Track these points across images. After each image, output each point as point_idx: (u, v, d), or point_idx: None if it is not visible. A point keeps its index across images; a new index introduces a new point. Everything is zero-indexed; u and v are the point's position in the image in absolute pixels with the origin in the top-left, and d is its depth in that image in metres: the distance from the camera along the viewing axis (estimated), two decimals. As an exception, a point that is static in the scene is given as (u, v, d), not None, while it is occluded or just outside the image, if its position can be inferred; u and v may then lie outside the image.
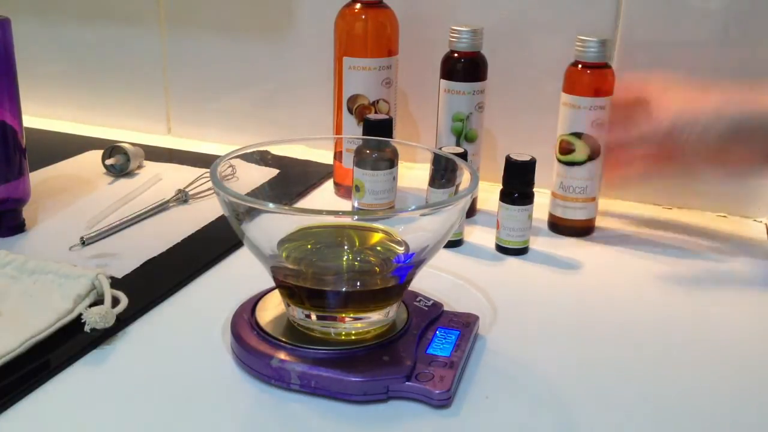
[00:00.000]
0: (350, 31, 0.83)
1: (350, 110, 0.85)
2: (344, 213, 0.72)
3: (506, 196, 0.73)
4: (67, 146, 1.01)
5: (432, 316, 0.58)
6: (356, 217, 0.68)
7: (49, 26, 1.12)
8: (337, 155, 0.87)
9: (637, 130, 0.73)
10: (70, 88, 1.14)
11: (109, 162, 0.91)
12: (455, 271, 0.70)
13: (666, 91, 0.76)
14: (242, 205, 0.50)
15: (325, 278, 0.56)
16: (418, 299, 0.59)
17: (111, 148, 0.92)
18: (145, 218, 0.79)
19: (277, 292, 0.58)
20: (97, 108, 1.13)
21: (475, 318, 0.59)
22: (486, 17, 0.89)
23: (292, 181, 0.86)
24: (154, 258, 0.69)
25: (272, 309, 0.57)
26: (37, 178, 0.88)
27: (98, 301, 0.58)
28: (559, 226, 0.79)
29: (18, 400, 0.49)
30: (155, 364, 0.54)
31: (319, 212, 0.49)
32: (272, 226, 0.53)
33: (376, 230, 0.58)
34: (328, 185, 0.91)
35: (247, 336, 0.54)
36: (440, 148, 0.75)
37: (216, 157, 0.56)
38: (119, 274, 0.66)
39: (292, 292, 0.54)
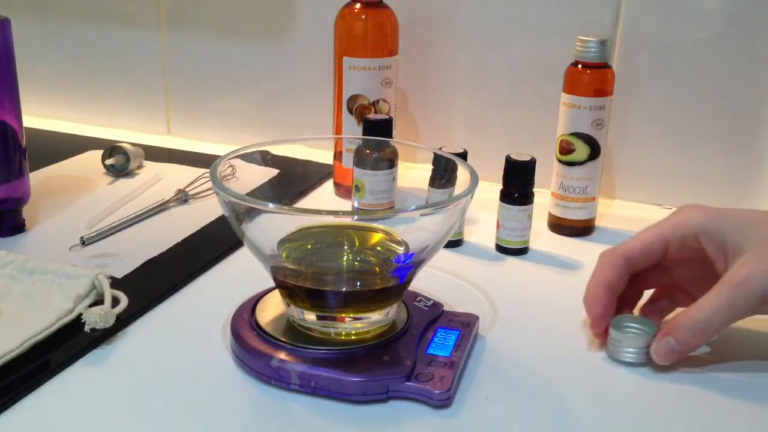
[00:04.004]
0: (350, 31, 0.83)
1: (350, 110, 0.85)
2: (344, 213, 0.72)
3: (506, 196, 0.73)
4: (67, 146, 1.01)
5: (432, 316, 0.58)
6: (356, 217, 0.68)
7: (49, 26, 1.12)
8: (337, 155, 0.87)
9: None
10: (70, 88, 1.14)
11: (109, 162, 0.91)
12: (455, 271, 0.70)
13: None
14: (242, 205, 0.50)
15: (325, 278, 0.56)
16: (418, 299, 0.59)
17: (111, 148, 0.92)
18: (145, 218, 0.79)
19: (277, 292, 0.58)
20: (97, 108, 1.13)
21: (475, 318, 0.59)
22: (486, 17, 0.89)
23: (292, 181, 0.86)
24: (154, 258, 0.69)
25: (272, 309, 0.57)
26: (37, 178, 0.88)
27: (98, 301, 0.58)
28: (559, 226, 0.79)
29: (18, 400, 0.49)
30: (155, 364, 0.54)
31: (319, 212, 0.49)
32: (272, 226, 0.53)
33: (376, 230, 0.58)
34: (328, 185, 0.91)
35: (247, 336, 0.54)
36: (440, 148, 0.75)
37: (216, 157, 0.56)
38: (119, 274, 0.66)
39: (292, 292, 0.54)
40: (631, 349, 0.55)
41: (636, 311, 0.61)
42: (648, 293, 0.62)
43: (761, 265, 0.51)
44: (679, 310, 0.60)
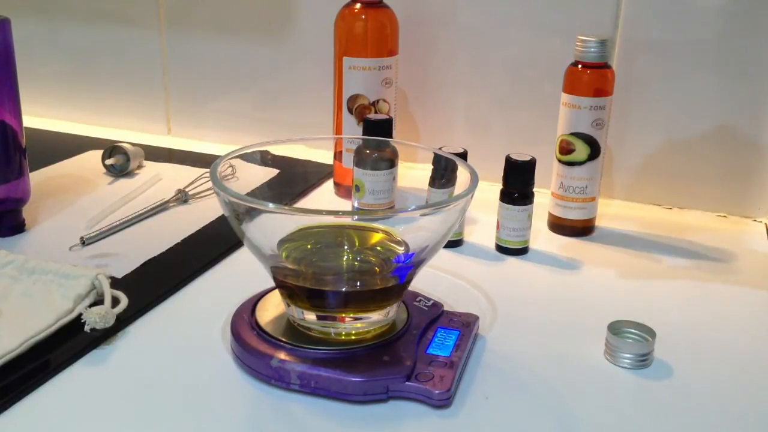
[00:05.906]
0: (350, 31, 0.83)
1: (350, 110, 0.85)
2: (344, 213, 0.72)
3: (506, 196, 0.73)
4: (67, 146, 1.01)
5: (432, 316, 0.58)
6: (356, 217, 0.68)
7: (49, 26, 1.12)
8: (337, 155, 0.87)
9: None
10: (70, 88, 1.14)
11: (109, 162, 0.91)
12: (455, 271, 0.70)
13: None
14: (242, 205, 0.50)
15: (325, 278, 0.56)
16: (418, 299, 0.59)
17: (111, 148, 0.92)
18: (145, 218, 0.79)
19: (277, 292, 0.58)
20: (97, 108, 1.13)
21: (475, 318, 0.59)
22: (486, 17, 0.89)
23: (292, 181, 0.86)
24: (154, 258, 0.69)
25: (272, 309, 0.57)
26: (37, 178, 0.88)
27: (98, 301, 0.58)
28: (559, 226, 0.79)
29: (18, 400, 0.49)
30: (155, 364, 0.54)
31: (319, 212, 0.49)
32: (272, 226, 0.53)
33: (376, 230, 0.58)
34: (328, 185, 0.91)
35: (247, 336, 0.54)
36: (440, 148, 0.75)
37: (216, 157, 0.56)
38: (119, 274, 0.66)
39: (292, 292, 0.54)
40: (628, 355, 0.55)
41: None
42: None
43: None
44: None
